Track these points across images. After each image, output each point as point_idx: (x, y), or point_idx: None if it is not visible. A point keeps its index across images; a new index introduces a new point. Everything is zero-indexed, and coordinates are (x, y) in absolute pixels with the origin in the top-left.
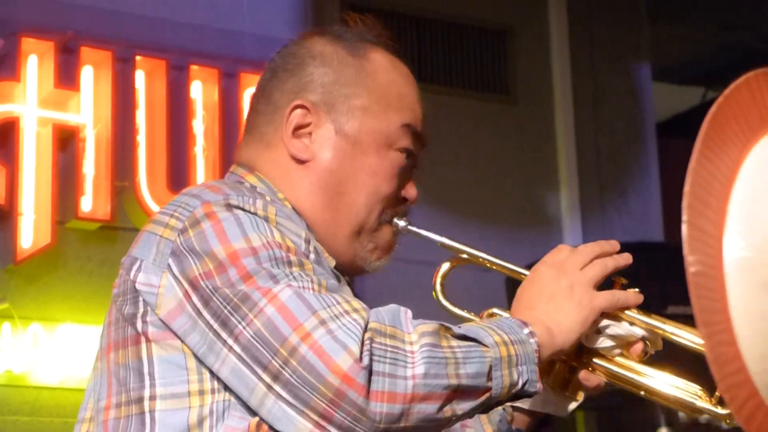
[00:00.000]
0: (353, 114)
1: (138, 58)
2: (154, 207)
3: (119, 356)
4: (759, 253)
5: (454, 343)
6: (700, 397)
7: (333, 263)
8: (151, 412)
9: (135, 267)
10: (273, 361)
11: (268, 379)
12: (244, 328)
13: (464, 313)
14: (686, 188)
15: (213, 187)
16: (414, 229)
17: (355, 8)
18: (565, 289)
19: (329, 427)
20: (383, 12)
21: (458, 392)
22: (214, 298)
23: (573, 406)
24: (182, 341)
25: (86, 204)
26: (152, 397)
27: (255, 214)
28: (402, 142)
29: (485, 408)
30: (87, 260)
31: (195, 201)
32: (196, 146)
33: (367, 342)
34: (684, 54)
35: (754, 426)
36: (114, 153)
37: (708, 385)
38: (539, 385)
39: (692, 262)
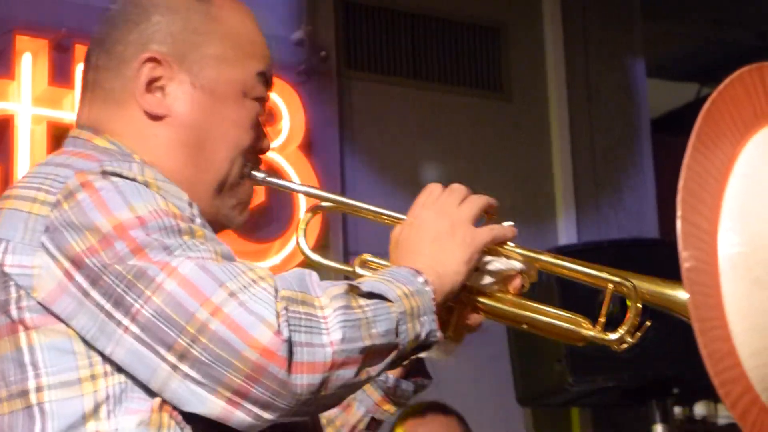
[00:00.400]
0: (207, 63)
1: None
2: None
3: None
4: (753, 248)
5: (363, 302)
6: (584, 326)
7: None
8: (40, 404)
9: (1, 249)
10: (179, 339)
11: (173, 359)
12: (141, 306)
13: (332, 263)
14: (680, 184)
15: (81, 154)
16: (272, 180)
17: (348, 4)
18: (446, 230)
19: (244, 403)
20: (378, 8)
21: (372, 353)
22: (104, 276)
23: (455, 348)
24: (66, 324)
25: None
26: (39, 388)
27: (134, 180)
28: (257, 90)
29: (393, 365)
30: None
31: (65, 171)
32: None
33: (282, 312)
34: (678, 50)
35: (749, 421)
36: None
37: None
38: (440, 334)
39: (686, 258)
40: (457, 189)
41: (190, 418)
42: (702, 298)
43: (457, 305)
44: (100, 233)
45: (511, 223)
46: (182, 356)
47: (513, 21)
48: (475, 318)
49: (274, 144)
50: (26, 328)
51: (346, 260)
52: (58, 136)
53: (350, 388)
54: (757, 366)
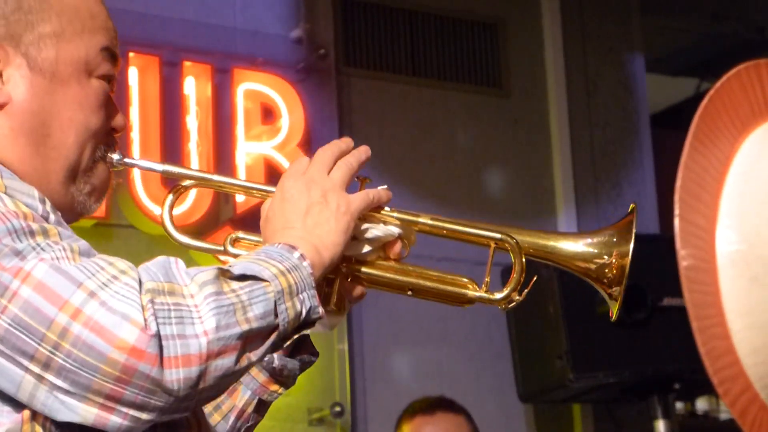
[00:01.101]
0: (45, 43)
1: (131, 54)
2: (148, 204)
3: None
4: (751, 246)
5: (236, 285)
6: (469, 287)
7: (58, 215)
8: None
9: None
10: (40, 348)
11: (36, 369)
12: None
13: (202, 244)
14: (678, 183)
15: None
16: (130, 161)
17: (346, 1)
18: (319, 200)
19: (118, 407)
20: (376, 6)
21: (251, 337)
22: None
23: (338, 320)
24: None
25: None
26: None
27: None
28: (103, 67)
29: (275, 347)
30: None
31: None
32: (189, 142)
33: (148, 306)
34: (677, 45)
35: (748, 419)
36: None
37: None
38: (321, 311)
39: (684, 256)
40: (324, 155)
41: (63, 426)
42: (700, 296)
43: (337, 276)
44: None
45: (385, 186)
46: (46, 365)
47: (511, 17)
48: (358, 289)
49: (274, 142)
50: None
51: None
52: None
53: (231, 376)
54: (756, 363)
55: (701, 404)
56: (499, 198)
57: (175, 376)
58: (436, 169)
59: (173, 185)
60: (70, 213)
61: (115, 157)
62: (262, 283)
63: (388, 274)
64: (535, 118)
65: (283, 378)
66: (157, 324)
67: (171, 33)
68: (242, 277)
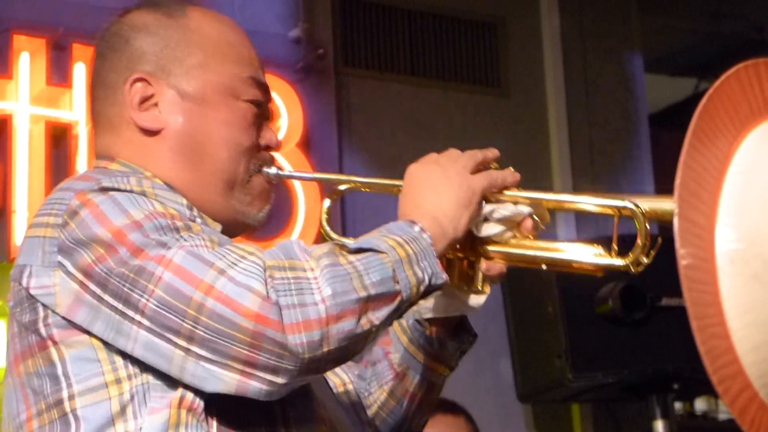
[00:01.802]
0: (192, 74)
1: None
2: None
3: (29, 366)
4: (750, 245)
5: (352, 257)
6: (599, 255)
7: (219, 228)
8: (73, 411)
9: (26, 274)
10: (184, 323)
11: (183, 343)
12: (147, 300)
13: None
14: (677, 181)
15: (82, 177)
16: (285, 173)
17: (346, 2)
18: (441, 178)
19: (256, 372)
20: (375, 5)
21: (370, 302)
22: (111, 280)
23: (482, 299)
24: (89, 334)
25: None
26: (71, 397)
27: (131, 191)
28: (248, 93)
29: (400, 311)
30: None
31: (68, 194)
32: None
33: (269, 279)
34: (676, 45)
35: (747, 418)
36: None
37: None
38: (445, 276)
39: (684, 255)
40: (453, 150)
41: (209, 412)
42: (700, 295)
43: (477, 258)
44: (104, 243)
45: (511, 169)
46: (190, 338)
47: (510, 16)
48: (494, 267)
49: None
50: (55, 343)
51: None
52: (56, 136)
53: (356, 339)
54: (756, 362)
55: (700, 404)
56: None
57: (299, 340)
58: None
59: (329, 192)
60: (235, 224)
61: (272, 171)
62: (378, 254)
63: (519, 251)
64: (534, 118)
65: (445, 359)
66: (277, 295)
67: None
68: (358, 250)
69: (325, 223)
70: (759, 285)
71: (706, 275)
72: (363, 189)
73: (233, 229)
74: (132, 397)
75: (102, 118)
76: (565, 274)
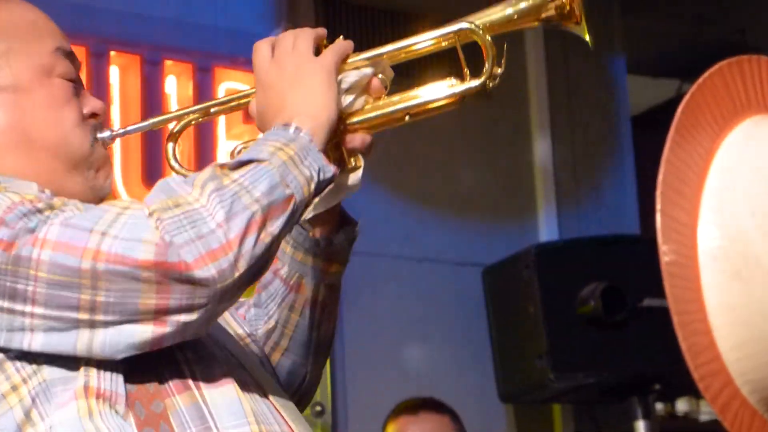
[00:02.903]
0: None
1: (112, 53)
2: None
3: None
4: (733, 242)
5: (235, 174)
6: (455, 86)
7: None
8: None
9: None
10: (81, 296)
11: (85, 316)
12: (34, 286)
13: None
14: (659, 178)
15: None
16: (120, 131)
17: (328, 1)
18: (295, 74)
19: (169, 317)
20: (358, 6)
21: (265, 214)
22: None
23: (359, 174)
24: None
25: None
26: None
27: None
28: (59, 66)
29: (297, 214)
30: None
31: None
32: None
33: (157, 223)
34: (658, 46)
35: (729, 414)
36: None
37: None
38: (333, 167)
39: (666, 252)
40: (285, 36)
41: (118, 393)
42: (682, 292)
43: (340, 134)
44: None
45: (341, 37)
46: (92, 309)
47: None
48: (359, 138)
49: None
50: None
51: None
52: None
53: (261, 254)
54: (738, 359)
55: (681, 405)
56: (479, 198)
57: (208, 273)
58: (416, 168)
59: (168, 136)
60: (91, 199)
61: (106, 134)
62: (261, 163)
63: (378, 112)
64: (515, 119)
65: (335, 255)
66: (171, 236)
67: (152, 32)
68: (240, 165)
69: (174, 163)
70: (741, 282)
71: (688, 272)
72: (206, 119)
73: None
74: (33, 400)
75: None
76: (549, 275)
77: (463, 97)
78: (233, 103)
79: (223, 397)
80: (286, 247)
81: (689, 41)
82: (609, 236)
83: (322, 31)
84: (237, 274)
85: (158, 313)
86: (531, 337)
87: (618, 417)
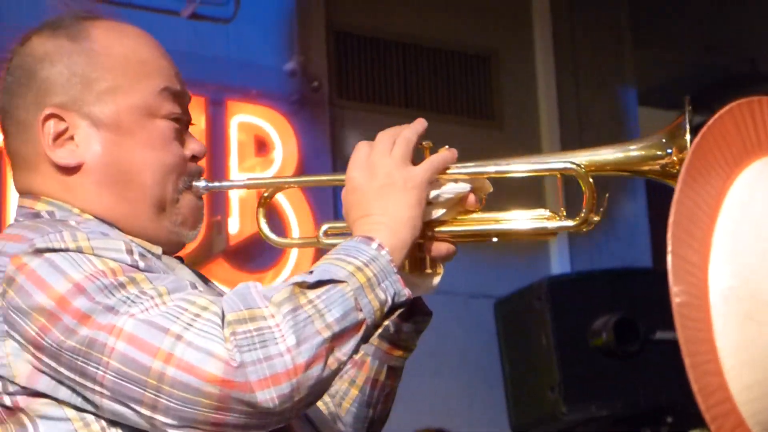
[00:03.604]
0: (104, 99)
1: None
2: None
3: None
4: (744, 282)
5: (312, 295)
6: (548, 219)
7: (159, 250)
8: None
9: None
10: (145, 393)
11: (147, 412)
12: (104, 372)
13: (297, 241)
14: (670, 218)
15: (13, 237)
16: (215, 184)
17: (339, 34)
18: (385, 182)
19: (224, 430)
20: (369, 38)
21: (335, 340)
22: (63, 353)
23: (436, 280)
24: (54, 399)
25: None
26: None
27: (66, 249)
28: (165, 107)
29: (366, 338)
30: None
31: (3, 259)
32: None
33: (230, 337)
34: (669, 78)
35: None
36: None
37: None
38: (407, 291)
39: (677, 293)
40: (382, 138)
41: None
42: (693, 333)
43: (426, 241)
44: (45, 311)
45: (446, 147)
46: (153, 407)
47: (504, 49)
48: (443, 247)
49: (268, 174)
50: (21, 410)
51: None
52: None
53: (325, 381)
54: (749, 400)
55: None
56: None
57: (269, 395)
58: None
59: (260, 201)
60: (169, 245)
61: (201, 184)
62: (339, 285)
63: (468, 227)
64: (527, 150)
65: (403, 342)
66: (241, 353)
67: None
68: (318, 284)
69: (264, 228)
70: (752, 324)
71: (699, 313)
72: (298, 187)
73: (170, 248)
74: None
75: (17, 157)
76: (561, 305)
77: (554, 233)
78: (325, 182)
79: None
80: None
81: (700, 72)
82: (621, 269)
83: (421, 126)
84: (297, 398)
85: (215, 426)
86: (543, 369)
87: None
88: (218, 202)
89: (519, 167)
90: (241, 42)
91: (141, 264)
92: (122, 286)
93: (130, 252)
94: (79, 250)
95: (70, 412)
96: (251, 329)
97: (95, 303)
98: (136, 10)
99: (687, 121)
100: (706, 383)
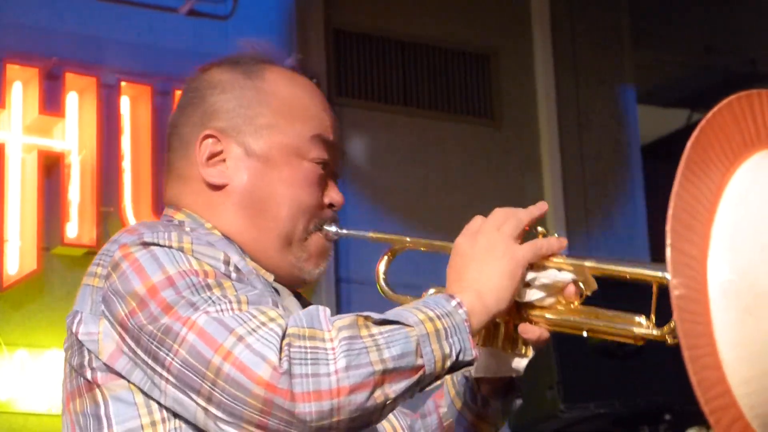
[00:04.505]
0: (260, 133)
1: (123, 83)
2: None
3: (77, 405)
4: (743, 276)
5: (375, 330)
6: (637, 324)
7: (271, 278)
8: None
9: (76, 320)
10: (203, 384)
11: (203, 403)
12: (172, 359)
13: (404, 297)
14: (669, 212)
15: (130, 230)
16: (344, 231)
17: (339, 33)
18: (485, 250)
19: None
20: (368, 36)
21: (386, 376)
22: (143, 336)
23: (524, 362)
24: (128, 380)
25: (72, 230)
26: None
27: (170, 247)
28: (314, 152)
29: (422, 385)
30: (73, 286)
31: (114, 246)
32: None
33: (285, 348)
34: (668, 77)
35: None
36: (99, 179)
37: (643, 311)
38: (475, 352)
39: (676, 285)
40: (497, 212)
41: None
42: (692, 326)
43: (515, 319)
44: (138, 297)
45: (556, 235)
46: (209, 399)
47: (503, 48)
48: (532, 330)
49: None
50: (98, 386)
51: (337, 287)
52: (48, 165)
53: (368, 410)
54: (748, 394)
55: None
56: None
57: (308, 409)
58: (428, 198)
59: (386, 248)
60: (291, 277)
61: (332, 229)
62: (405, 328)
63: (562, 317)
64: (526, 149)
65: (489, 418)
66: (291, 364)
67: (162, 63)
68: (384, 322)
69: (383, 283)
70: (750, 317)
71: (698, 306)
72: (418, 248)
73: (290, 281)
74: None
75: (173, 169)
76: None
77: (643, 339)
78: (437, 247)
79: None
80: (451, 390)
81: (699, 72)
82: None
83: (539, 211)
84: (335, 419)
85: (258, 428)
86: (542, 368)
87: None
88: None
89: (622, 268)
90: (238, 39)
91: (234, 275)
92: (209, 287)
93: (227, 263)
94: (181, 250)
95: (139, 398)
96: (307, 346)
97: (180, 297)
98: (134, 7)
99: None
100: (704, 376)
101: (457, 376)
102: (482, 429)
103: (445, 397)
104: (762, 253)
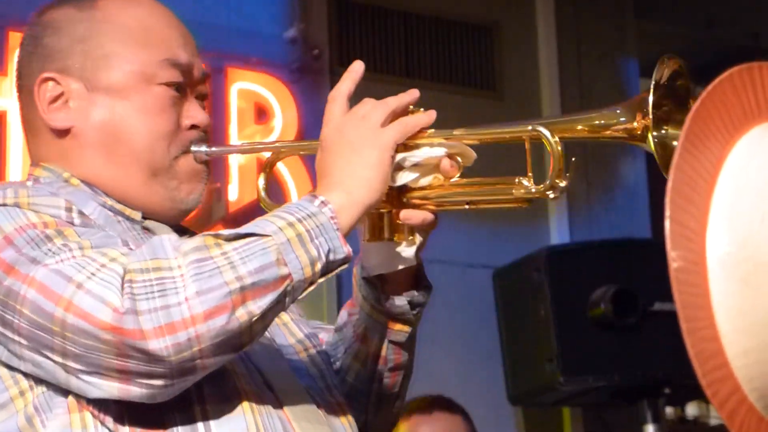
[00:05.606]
0: (99, 65)
1: None
2: None
3: None
4: (742, 248)
5: (228, 247)
6: (516, 185)
7: (139, 215)
8: None
9: None
10: (54, 340)
11: (59, 359)
12: (19, 320)
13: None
14: (669, 184)
15: None
16: (214, 149)
17: (342, 4)
18: (350, 142)
19: (133, 379)
20: (371, 7)
21: (246, 293)
22: None
23: (412, 250)
24: None
25: None
26: None
27: (4, 204)
28: (163, 76)
29: (294, 295)
30: None
31: None
32: None
33: (126, 286)
34: (670, 50)
35: (737, 421)
36: None
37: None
38: (346, 249)
39: (675, 258)
40: (366, 101)
41: (105, 410)
42: (690, 298)
43: (390, 208)
44: None
45: (423, 110)
46: (64, 354)
47: (505, 19)
48: (413, 215)
49: (269, 140)
50: None
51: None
52: None
53: (233, 333)
54: (745, 365)
55: (691, 409)
56: None
57: (162, 344)
58: None
59: (261, 164)
60: (166, 210)
61: (201, 149)
62: (261, 239)
63: (440, 194)
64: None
65: (399, 316)
66: (135, 301)
67: None
68: (236, 237)
69: (263, 194)
70: (748, 289)
71: (696, 278)
72: (295, 155)
73: (168, 214)
74: (36, 408)
75: (26, 123)
76: (559, 276)
77: (526, 200)
78: (305, 148)
79: None
80: (358, 296)
81: (702, 45)
82: (620, 239)
83: (409, 97)
84: (196, 349)
85: (122, 373)
86: (541, 340)
87: (627, 421)
88: (218, 169)
89: (490, 130)
90: (241, 9)
91: (77, 221)
92: (48, 238)
93: (69, 209)
94: (16, 205)
95: (3, 371)
96: (152, 278)
97: (20, 254)
98: None
99: (654, 78)
100: (702, 349)
101: (361, 280)
102: (397, 329)
103: (355, 305)
104: (761, 223)
